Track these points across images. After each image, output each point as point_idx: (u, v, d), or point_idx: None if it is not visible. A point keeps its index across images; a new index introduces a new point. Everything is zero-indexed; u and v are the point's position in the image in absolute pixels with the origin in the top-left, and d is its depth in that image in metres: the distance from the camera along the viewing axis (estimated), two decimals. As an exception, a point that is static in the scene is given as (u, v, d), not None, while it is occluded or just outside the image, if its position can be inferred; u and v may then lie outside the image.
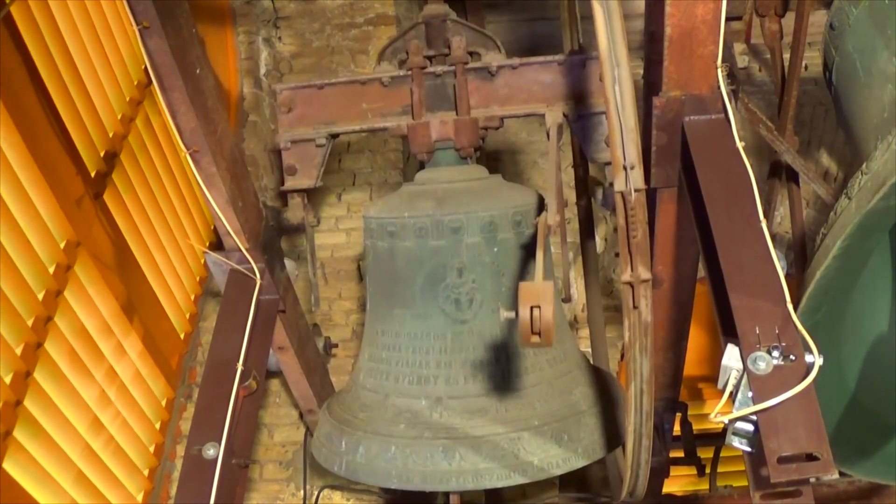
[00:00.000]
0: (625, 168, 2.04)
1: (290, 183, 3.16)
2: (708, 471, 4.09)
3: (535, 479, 2.77)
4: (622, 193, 2.05)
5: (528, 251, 2.87)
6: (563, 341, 3.02)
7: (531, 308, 1.97)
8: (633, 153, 2.04)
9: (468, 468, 2.73)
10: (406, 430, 2.83)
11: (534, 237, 2.77)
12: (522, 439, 2.75)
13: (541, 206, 2.93)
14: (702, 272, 2.36)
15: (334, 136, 3.16)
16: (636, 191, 2.05)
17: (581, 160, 3.99)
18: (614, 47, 2.03)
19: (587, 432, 2.84)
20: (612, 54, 2.04)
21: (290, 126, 3.15)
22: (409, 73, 3.04)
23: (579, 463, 2.79)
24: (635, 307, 2.13)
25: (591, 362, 3.31)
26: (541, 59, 3.01)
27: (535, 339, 1.98)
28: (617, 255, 3.55)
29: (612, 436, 2.89)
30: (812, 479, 1.81)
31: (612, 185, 2.10)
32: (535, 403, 2.85)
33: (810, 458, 1.76)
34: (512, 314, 2.07)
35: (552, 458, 2.75)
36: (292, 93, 3.14)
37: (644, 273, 2.08)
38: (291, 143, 3.14)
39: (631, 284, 2.11)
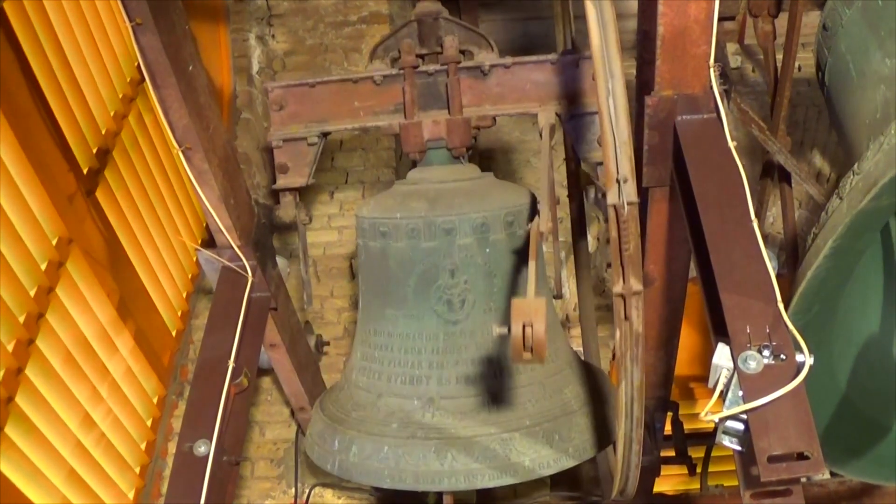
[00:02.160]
0: (618, 181, 2.01)
1: (281, 181, 3.15)
2: (699, 470, 4.10)
3: (526, 479, 2.78)
4: (615, 206, 2.03)
5: (521, 254, 2.85)
6: (555, 340, 3.02)
7: (523, 325, 1.94)
8: (626, 166, 2.00)
9: (460, 468, 2.73)
10: (399, 429, 2.83)
11: (526, 242, 2.75)
12: (514, 439, 2.75)
13: (533, 206, 2.91)
14: (693, 272, 2.36)
15: (326, 134, 3.14)
16: (629, 204, 2.01)
17: (573, 154, 3.98)
18: (607, 53, 2.01)
19: (578, 432, 2.85)
20: (605, 60, 2.01)
21: (282, 124, 3.13)
22: (402, 71, 3.03)
23: (570, 463, 2.80)
24: (627, 318, 2.13)
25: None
26: (534, 58, 2.99)
27: (528, 355, 1.94)
28: (609, 266, 3.53)
29: (603, 434, 2.89)
30: (802, 479, 1.81)
31: (604, 195, 2.09)
32: (527, 403, 2.85)
33: (801, 457, 1.77)
34: (504, 330, 2.04)
35: (543, 459, 2.76)
36: (284, 91, 3.12)
37: (636, 285, 2.07)
38: (283, 141, 3.12)
39: (623, 296, 2.10)
